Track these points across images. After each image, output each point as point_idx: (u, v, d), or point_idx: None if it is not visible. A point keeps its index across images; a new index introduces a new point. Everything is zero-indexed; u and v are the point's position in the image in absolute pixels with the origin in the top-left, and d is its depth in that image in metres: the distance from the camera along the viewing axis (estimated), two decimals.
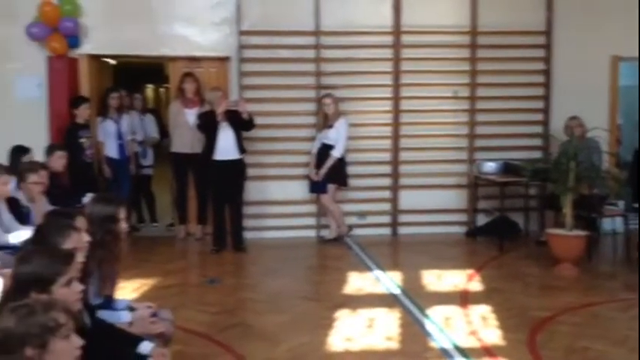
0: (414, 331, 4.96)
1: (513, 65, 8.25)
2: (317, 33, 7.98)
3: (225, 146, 7.29)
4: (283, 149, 8.08)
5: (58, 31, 7.38)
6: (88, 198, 6.01)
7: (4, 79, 7.55)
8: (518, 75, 8.27)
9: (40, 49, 7.48)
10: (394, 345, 4.67)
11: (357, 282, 6.25)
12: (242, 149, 7.38)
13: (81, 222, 3.35)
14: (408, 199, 8.33)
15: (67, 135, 7.29)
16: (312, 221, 8.24)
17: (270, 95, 7.99)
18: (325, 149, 7.71)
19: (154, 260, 7.08)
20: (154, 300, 3.98)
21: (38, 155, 6.40)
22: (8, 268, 4.22)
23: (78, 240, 3.08)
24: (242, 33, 7.87)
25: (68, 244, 2.97)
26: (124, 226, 3.70)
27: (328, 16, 7.95)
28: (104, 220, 3.57)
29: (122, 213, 3.70)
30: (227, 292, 6.00)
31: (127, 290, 5.56)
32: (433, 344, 4.69)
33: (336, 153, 7.67)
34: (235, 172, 7.36)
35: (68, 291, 2.52)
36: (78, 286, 2.58)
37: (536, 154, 8.22)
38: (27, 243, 4.75)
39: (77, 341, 2.26)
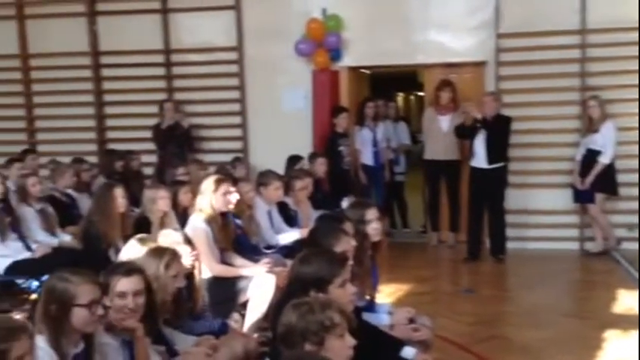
0: None
1: None
2: (582, 31, 7.44)
3: (480, 153, 7.14)
4: (544, 156, 7.66)
5: (322, 46, 7.85)
6: (346, 202, 6.34)
7: (274, 92, 8.24)
8: None
9: (306, 63, 8.03)
10: None
11: (628, 300, 5.68)
12: (498, 157, 7.13)
13: (348, 226, 3.50)
14: None
15: (328, 143, 7.71)
16: (575, 233, 7.69)
17: (529, 99, 7.64)
18: (591, 155, 7.15)
19: (406, 266, 7.16)
20: (408, 306, 4.00)
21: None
22: (279, 267, 4.60)
23: (347, 243, 3.22)
24: (500, 36, 7.64)
25: (339, 247, 3.11)
26: (374, 227, 3.77)
27: (595, 12, 7.36)
28: (357, 224, 3.69)
29: (370, 215, 3.78)
30: (483, 302, 5.85)
31: (383, 295, 5.68)
32: None
33: (604, 159, 7.07)
34: (492, 179, 7.15)
35: (342, 292, 2.64)
36: (351, 288, 2.69)
37: None
38: (296, 244, 5.16)
39: (351, 341, 2.34)
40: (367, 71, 9.19)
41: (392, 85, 14.62)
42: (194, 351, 3.26)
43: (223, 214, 4.74)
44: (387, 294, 5.89)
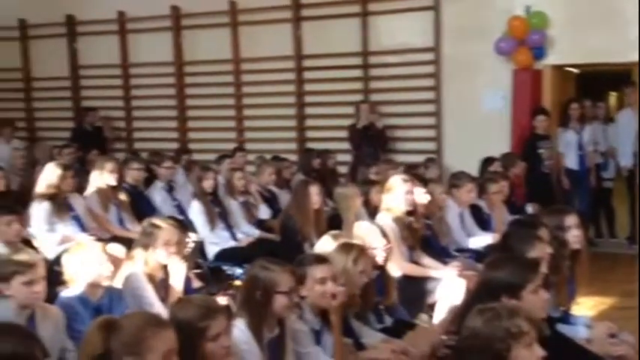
0: None
1: None
2: None
3: None
4: None
5: (524, 44, 7.55)
6: (530, 208, 6.07)
7: (473, 93, 8.07)
8: None
9: (506, 62, 7.77)
10: None
11: None
12: None
13: (544, 232, 3.36)
14: None
15: (527, 145, 7.43)
16: None
17: None
18: None
19: (612, 279, 6.62)
20: (612, 321, 3.72)
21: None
22: (469, 271, 4.51)
23: (541, 250, 3.09)
24: None
25: (533, 254, 3.01)
26: (574, 234, 3.60)
27: None
28: (555, 230, 3.54)
29: (570, 221, 3.59)
30: None
31: (583, 307, 5.32)
32: None
33: None
34: None
35: (536, 298, 2.55)
36: (544, 294, 2.58)
37: None
38: (487, 249, 5.03)
39: (539, 351, 2.25)
40: (574, 70, 8.66)
41: (604, 84, 13.63)
42: (381, 347, 3.33)
43: (411, 213, 4.76)
44: (586, 307, 5.51)
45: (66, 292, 3.43)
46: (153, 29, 9.58)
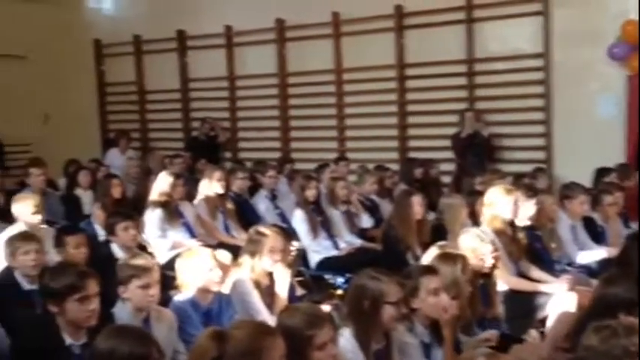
0: None
1: None
2: None
3: None
4: None
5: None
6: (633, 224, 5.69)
7: (585, 100, 7.75)
8: None
9: (619, 68, 7.42)
10: None
11: None
12: None
13: None
14: None
15: None
16: None
17: None
18: None
19: None
20: None
21: None
22: (582, 286, 4.30)
23: None
24: None
25: None
26: None
27: None
28: None
29: None
30: None
31: None
32: None
33: None
34: None
35: None
36: None
37: None
38: (603, 263, 4.79)
39: None
40: None
41: None
42: None
43: (513, 224, 4.58)
44: None
45: (179, 297, 3.55)
46: (258, 42, 9.82)
